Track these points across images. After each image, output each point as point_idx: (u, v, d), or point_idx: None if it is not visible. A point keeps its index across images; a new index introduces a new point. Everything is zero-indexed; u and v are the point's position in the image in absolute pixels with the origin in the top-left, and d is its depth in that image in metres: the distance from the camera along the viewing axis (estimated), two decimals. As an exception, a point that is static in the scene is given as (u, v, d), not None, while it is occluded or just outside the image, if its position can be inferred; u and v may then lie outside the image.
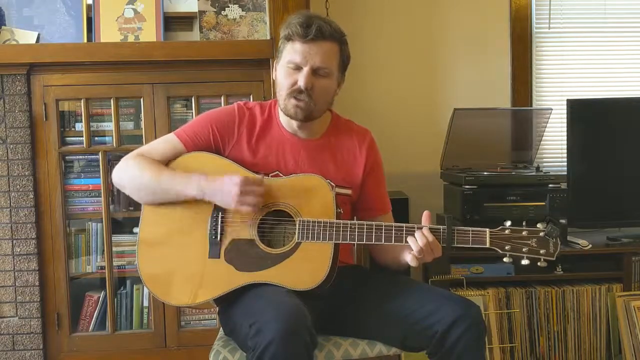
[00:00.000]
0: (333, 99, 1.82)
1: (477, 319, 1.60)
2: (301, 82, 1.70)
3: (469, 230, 1.62)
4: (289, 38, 1.72)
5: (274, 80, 1.82)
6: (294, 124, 1.80)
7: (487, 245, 1.61)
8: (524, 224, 1.62)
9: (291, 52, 1.71)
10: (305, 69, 1.70)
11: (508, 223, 1.62)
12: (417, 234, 1.61)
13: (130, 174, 1.75)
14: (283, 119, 1.82)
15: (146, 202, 1.76)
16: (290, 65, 1.72)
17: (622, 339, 2.62)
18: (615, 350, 2.67)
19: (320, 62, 1.70)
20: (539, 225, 1.61)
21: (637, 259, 2.71)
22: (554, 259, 1.61)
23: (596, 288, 2.68)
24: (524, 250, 1.60)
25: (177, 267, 1.71)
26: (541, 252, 1.60)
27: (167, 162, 1.77)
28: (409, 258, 1.64)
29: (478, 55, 3.19)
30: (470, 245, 1.62)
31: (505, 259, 1.62)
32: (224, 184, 1.65)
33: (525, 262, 1.61)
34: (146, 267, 1.74)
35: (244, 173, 1.73)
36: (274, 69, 1.81)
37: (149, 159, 1.75)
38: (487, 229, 1.62)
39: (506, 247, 1.61)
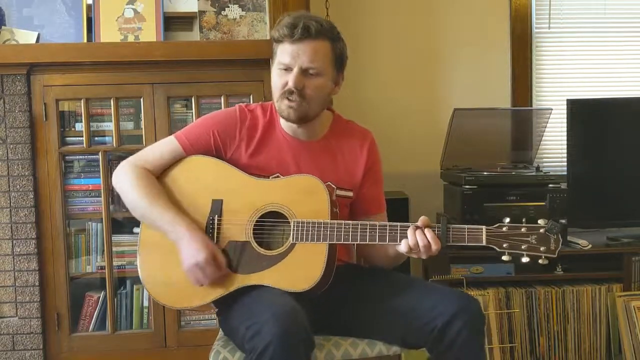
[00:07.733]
0: (330, 98, 1.81)
1: (477, 312, 1.59)
2: (290, 83, 1.70)
3: (465, 228, 1.59)
4: (278, 40, 1.72)
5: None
6: (294, 125, 1.79)
7: (484, 244, 1.57)
8: (523, 220, 1.58)
9: (281, 54, 1.72)
10: (295, 69, 1.70)
11: (506, 220, 1.58)
12: (410, 232, 1.59)
13: (128, 196, 1.76)
14: (283, 120, 1.82)
15: (138, 218, 1.78)
16: (281, 67, 1.72)
17: (622, 339, 2.62)
18: (615, 350, 2.66)
19: (309, 62, 1.70)
20: (539, 221, 1.57)
21: (637, 259, 2.71)
22: (556, 255, 1.56)
23: (596, 288, 2.68)
24: (523, 247, 1.56)
25: (176, 271, 1.71)
26: (541, 249, 1.55)
27: (165, 166, 1.79)
28: (402, 246, 1.61)
29: (478, 55, 3.19)
30: (466, 244, 1.58)
31: (504, 257, 1.58)
32: (191, 250, 1.64)
33: (525, 259, 1.56)
34: (146, 271, 1.76)
35: (243, 178, 1.74)
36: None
37: (146, 178, 1.75)
38: (484, 227, 1.58)
39: (504, 245, 1.57)
